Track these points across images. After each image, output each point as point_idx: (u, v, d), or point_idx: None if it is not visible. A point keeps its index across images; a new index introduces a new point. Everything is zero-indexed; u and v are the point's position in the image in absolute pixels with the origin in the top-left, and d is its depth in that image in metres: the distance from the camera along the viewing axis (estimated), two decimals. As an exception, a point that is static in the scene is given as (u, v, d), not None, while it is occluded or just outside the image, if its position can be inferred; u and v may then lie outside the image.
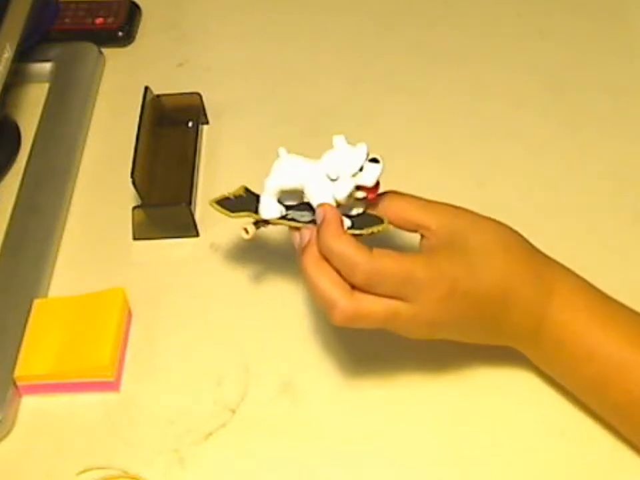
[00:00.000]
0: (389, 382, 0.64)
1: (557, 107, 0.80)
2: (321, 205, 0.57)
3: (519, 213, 0.71)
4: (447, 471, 0.59)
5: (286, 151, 0.60)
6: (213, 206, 0.62)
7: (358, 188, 0.57)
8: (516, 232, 0.59)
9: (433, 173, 0.75)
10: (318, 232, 0.56)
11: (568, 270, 0.59)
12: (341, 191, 0.57)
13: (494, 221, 0.59)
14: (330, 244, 0.55)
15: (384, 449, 0.60)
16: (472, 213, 0.59)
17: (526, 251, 0.59)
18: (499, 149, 0.77)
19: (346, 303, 0.55)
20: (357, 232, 0.57)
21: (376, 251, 0.55)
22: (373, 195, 0.58)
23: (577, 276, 0.59)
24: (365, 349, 0.66)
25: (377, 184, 0.58)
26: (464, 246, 0.57)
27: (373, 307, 0.55)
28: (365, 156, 0.57)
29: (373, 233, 0.58)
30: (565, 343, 0.57)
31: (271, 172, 0.59)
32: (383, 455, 0.60)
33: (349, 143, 0.58)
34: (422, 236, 0.59)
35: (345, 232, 0.56)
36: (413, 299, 0.55)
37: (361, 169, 0.57)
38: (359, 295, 0.55)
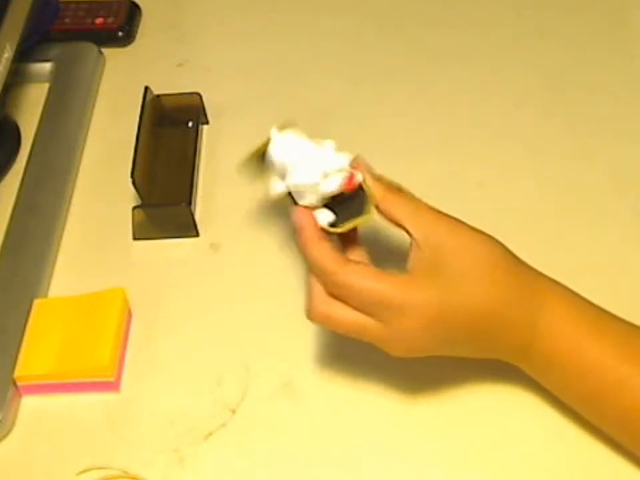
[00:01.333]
0: (389, 382, 0.64)
1: (557, 107, 0.80)
2: (296, 210, 0.57)
3: (519, 213, 0.72)
4: (448, 471, 0.59)
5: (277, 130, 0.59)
6: (250, 161, 0.61)
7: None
8: (503, 246, 0.57)
9: (432, 172, 0.75)
10: (295, 236, 0.57)
11: (557, 283, 0.58)
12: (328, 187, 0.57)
13: (481, 236, 0.57)
14: (305, 250, 0.56)
15: (384, 449, 0.60)
16: (460, 227, 0.57)
17: (514, 268, 0.57)
18: (499, 148, 0.77)
19: (317, 305, 0.56)
20: (338, 230, 0.57)
21: (353, 264, 0.55)
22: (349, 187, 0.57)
23: (566, 288, 0.58)
24: (365, 349, 0.65)
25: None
26: (449, 267, 0.55)
27: (341, 315, 0.56)
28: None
29: (355, 227, 0.57)
30: (557, 359, 0.56)
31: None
32: (383, 455, 0.60)
33: (347, 143, 0.57)
34: (410, 244, 0.57)
35: (321, 238, 0.56)
36: (385, 320, 0.55)
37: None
38: (332, 301, 0.56)
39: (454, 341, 0.57)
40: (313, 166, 0.57)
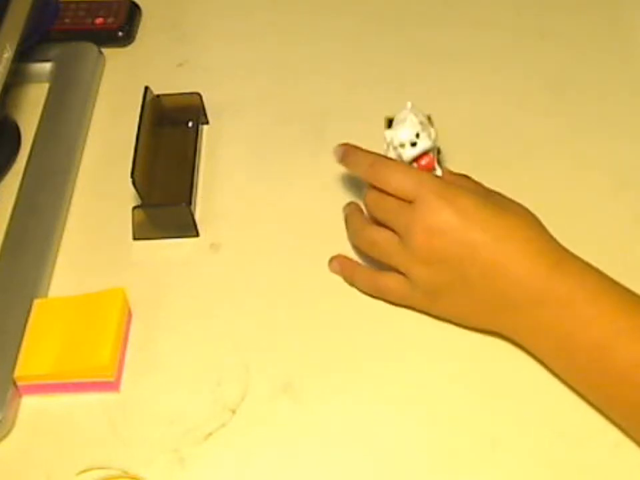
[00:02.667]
0: (389, 382, 0.64)
1: (557, 107, 0.80)
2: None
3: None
4: (449, 471, 0.59)
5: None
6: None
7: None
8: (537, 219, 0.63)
9: (432, 172, 0.75)
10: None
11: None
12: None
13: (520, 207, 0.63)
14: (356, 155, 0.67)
15: (384, 449, 0.60)
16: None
17: (549, 236, 0.62)
18: (499, 148, 0.77)
19: (358, 228, 0.68)
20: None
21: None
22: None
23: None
24: (365, 349, 0.66)
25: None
26: (495, 199, 0.64)
27: (376, 230, 0.65)
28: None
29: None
30: (571, 305, 0.57)
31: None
32: (383, 455, 0.60)
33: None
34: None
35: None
36: (409, 227, 0.61)
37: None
38: (369, 223, 0.66)
39: (468, 277, 0.60)
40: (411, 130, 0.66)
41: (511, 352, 0.63)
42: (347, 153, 0.68)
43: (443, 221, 0.60)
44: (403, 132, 0.66)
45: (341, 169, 0.72)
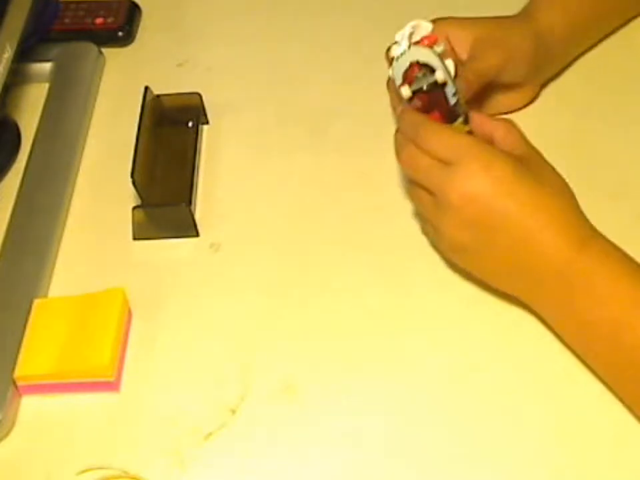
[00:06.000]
0: (389, 382, 0.64)
1: (557, 107, 0.80)
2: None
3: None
4: (450, 471, 0.59)
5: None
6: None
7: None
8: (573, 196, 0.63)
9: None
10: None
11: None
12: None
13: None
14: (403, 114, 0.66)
15: (384, 449, 0.60)
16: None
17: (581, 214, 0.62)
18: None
19: (404, 146, 0.65)
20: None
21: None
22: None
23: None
24: (366, 349, 0.66)
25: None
26: (534, 162, 0.63)
27: (420, 155, 0.63)
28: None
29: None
30: (592, 282, 0.58)
31: None
32: (383, 455, 0.60)
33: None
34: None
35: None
36: (454, 167, 0.61)
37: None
38: (413, 147, 0.64)
39: (495, 243, 0.60)
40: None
41: (513, 351, 0.63)
42: (401, 111, 0.66)
43: (476, 187, 0.60)
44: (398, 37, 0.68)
45: (342, 168, 0.73)
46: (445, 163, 0.61)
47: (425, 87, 0.65)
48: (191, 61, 0.88)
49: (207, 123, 0.82)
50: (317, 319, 0.67)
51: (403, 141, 0.64)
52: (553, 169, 0.64)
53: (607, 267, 0.59)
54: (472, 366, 0.64)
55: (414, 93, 0.65)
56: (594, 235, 0.61)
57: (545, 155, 0.75)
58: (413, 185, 0.65)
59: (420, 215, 0.67)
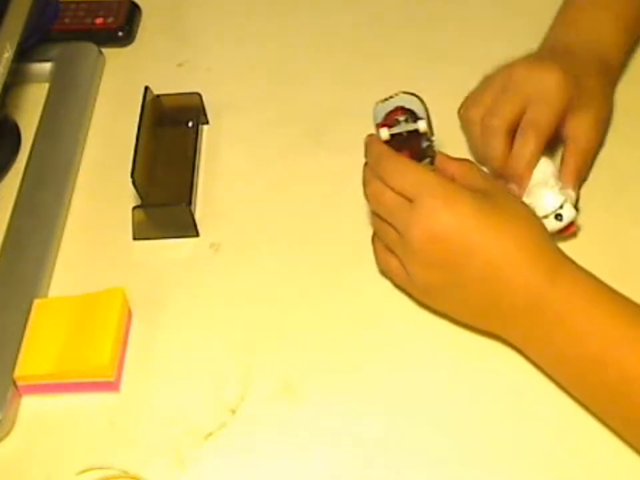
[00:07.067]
0: (389, 382, 0.64)
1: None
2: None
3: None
4: (450, 471, 0.59)
5: None
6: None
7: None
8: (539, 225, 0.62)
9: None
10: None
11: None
12: None
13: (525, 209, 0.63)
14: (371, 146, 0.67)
15: (384, 449, 0.60)
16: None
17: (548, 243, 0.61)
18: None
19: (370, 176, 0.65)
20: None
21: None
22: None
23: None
24: (366, 349, 0.66)
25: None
26: (497, 200, 0.61)
27: (386, 190, 0.63)
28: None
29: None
30: (566, 317, 0.57)
31: None
32: (383, 455, 0.60)
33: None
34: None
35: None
36: (416, 205, 0.60)
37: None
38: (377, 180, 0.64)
39: (464, 281, 0.59)
40: None
41: (512, 354, 0.63)
42: (368, 141, 0.67)
43: (439, 225, 0.59)
44: (547, 199, 0.66)
45: (341, 169, 0.73)
46: (408, 198, 0.61)
47: (404, 134, 0.65)
48: (191, 61, 0.88)
49: (207, 123, 0.82)
50: (317, 319, 0.67)
51: (370, 174, 0.64)
52: (517, 199, 0.64)
53: (579, 297, 0.58)
54: (473, 366, 0.64)
55: (392, 135, 0.65)
56: (564, 262, 0.60)
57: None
58: (378, 220, 0.65)
59: (386, 247, 0.66)
